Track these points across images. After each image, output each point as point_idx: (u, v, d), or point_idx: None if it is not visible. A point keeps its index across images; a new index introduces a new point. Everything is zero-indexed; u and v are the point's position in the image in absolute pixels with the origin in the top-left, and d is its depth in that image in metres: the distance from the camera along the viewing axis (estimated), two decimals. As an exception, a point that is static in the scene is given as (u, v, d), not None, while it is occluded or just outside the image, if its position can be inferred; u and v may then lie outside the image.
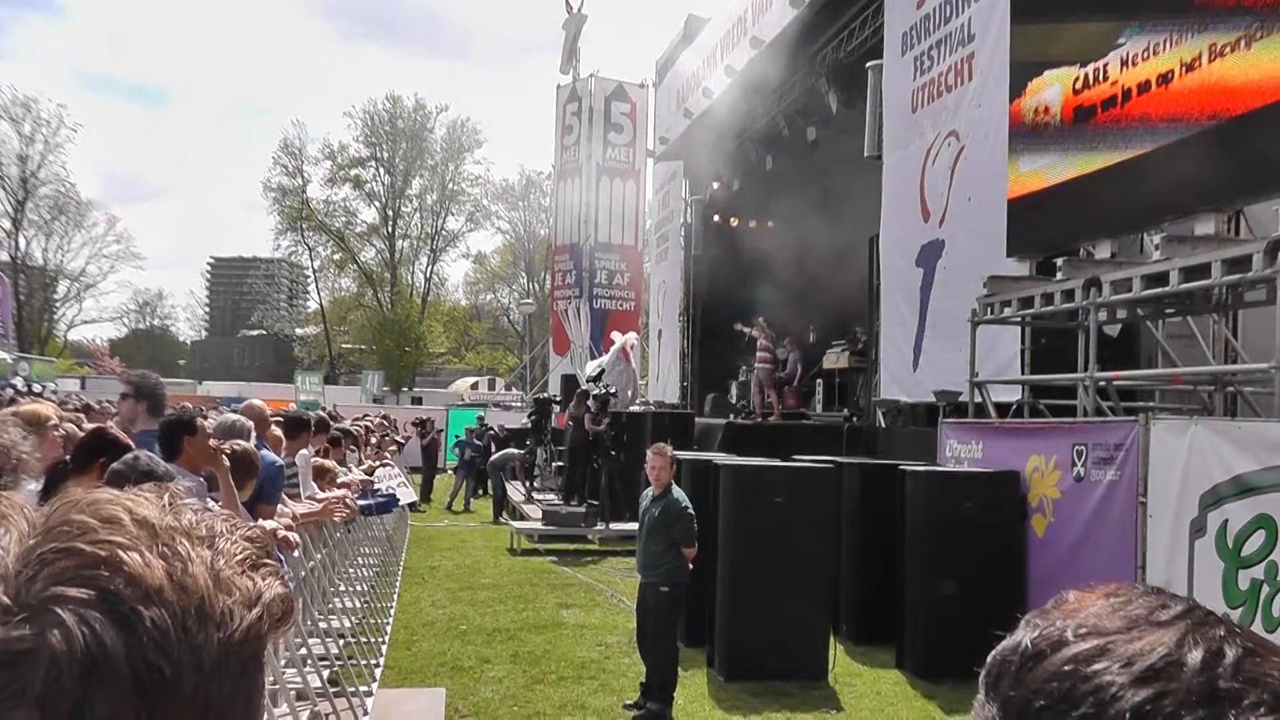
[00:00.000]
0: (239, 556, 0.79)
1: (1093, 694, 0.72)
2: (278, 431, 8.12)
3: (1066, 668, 0.74)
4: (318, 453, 9.55)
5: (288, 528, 5.87)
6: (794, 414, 20.77)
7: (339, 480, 9.40)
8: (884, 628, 10.19)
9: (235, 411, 7.80)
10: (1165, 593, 0.80)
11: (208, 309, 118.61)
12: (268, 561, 0.81)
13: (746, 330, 20.90)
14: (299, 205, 67.24)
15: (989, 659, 0.81)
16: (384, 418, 23.56)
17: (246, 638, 0.76)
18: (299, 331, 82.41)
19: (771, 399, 20.14)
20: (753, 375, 21.13)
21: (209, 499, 5.20)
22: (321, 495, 8.20)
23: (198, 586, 0.75)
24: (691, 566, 8.10)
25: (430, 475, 26.99)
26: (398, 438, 23.28)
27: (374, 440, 16.64)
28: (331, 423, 12.25)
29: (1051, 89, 10.71)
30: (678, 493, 8.11)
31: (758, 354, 20.20)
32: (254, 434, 6.54)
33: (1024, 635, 0.79)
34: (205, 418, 5.71)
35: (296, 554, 6.90)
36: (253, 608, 0.77)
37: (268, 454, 6.51)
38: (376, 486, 11.49)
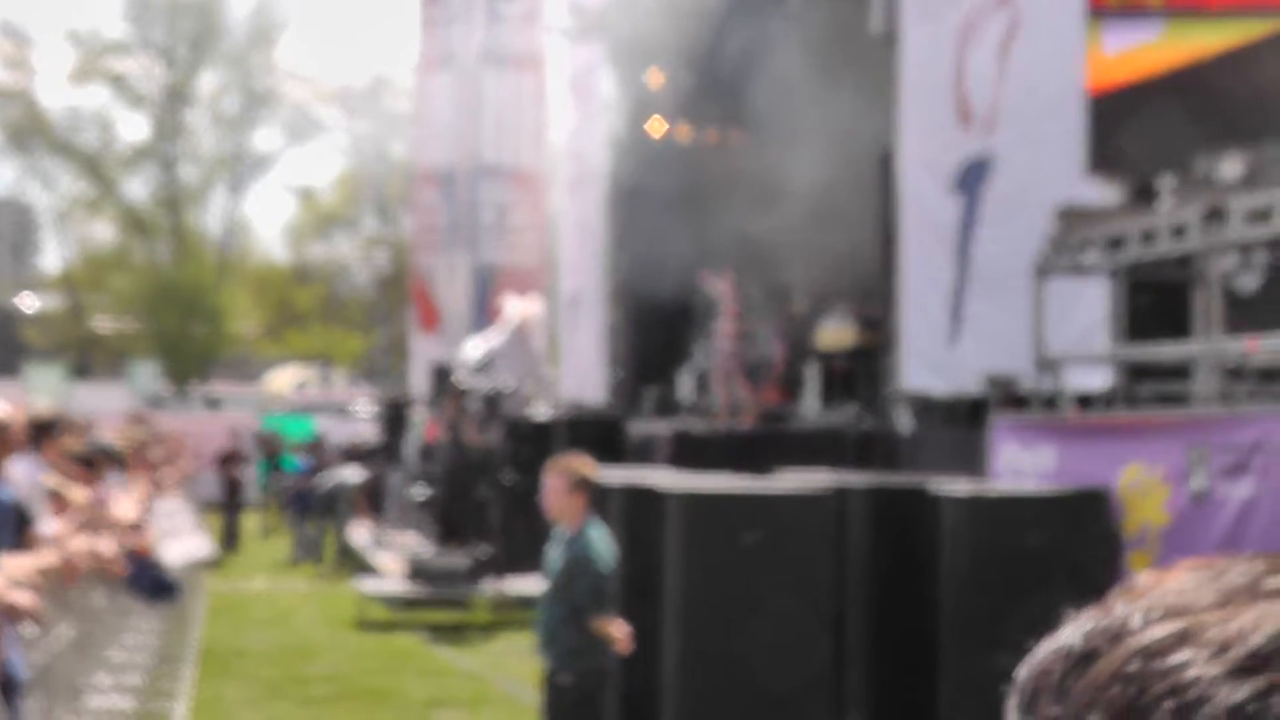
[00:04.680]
0: None
1: (1170, 695, 0.70)
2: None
3: (1132, 665, 0.72)
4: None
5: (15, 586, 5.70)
6: (775, 414, 20.82)
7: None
8: (913, 724, 10.23)
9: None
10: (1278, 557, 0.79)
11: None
12: None
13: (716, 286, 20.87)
14: (26, 115, 66.12)
15: (1021, 673, 0.80)
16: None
17: None
18: (30, 304, 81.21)
19: (743, 392, 20.18)
20: (715, 359, 21.17)
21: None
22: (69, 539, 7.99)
23: None
24: (623, 648, 8.03)
25: (234, 515, 26.82)
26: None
27: (149, 461, 16.37)
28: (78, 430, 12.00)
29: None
30: (595, 533, 8.03)
31: (721, 325, 20.22)
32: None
33: (1071, 634, 0.78)
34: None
35: (30, 629, 6.73)
36: None
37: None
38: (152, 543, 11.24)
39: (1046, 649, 0.79)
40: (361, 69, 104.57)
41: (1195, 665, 0.71)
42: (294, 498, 25.52)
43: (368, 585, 18.41)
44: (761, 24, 21.79)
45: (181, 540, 15.93)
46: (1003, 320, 13.26)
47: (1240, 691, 0.69)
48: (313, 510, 25.16)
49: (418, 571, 17.77)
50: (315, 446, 28.91)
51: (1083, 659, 0.75)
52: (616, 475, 11.44)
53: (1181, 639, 0.72)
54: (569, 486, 7.98)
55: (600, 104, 29.76)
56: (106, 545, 8.81)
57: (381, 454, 25.45)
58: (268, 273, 74.23)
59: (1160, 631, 0.73)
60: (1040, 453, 10.58)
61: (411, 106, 47.62)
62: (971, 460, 11.78)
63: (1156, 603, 0.76)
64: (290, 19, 70.22)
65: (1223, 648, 0.71)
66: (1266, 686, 0.69)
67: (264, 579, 22.50)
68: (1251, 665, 0.70)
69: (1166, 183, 10.40)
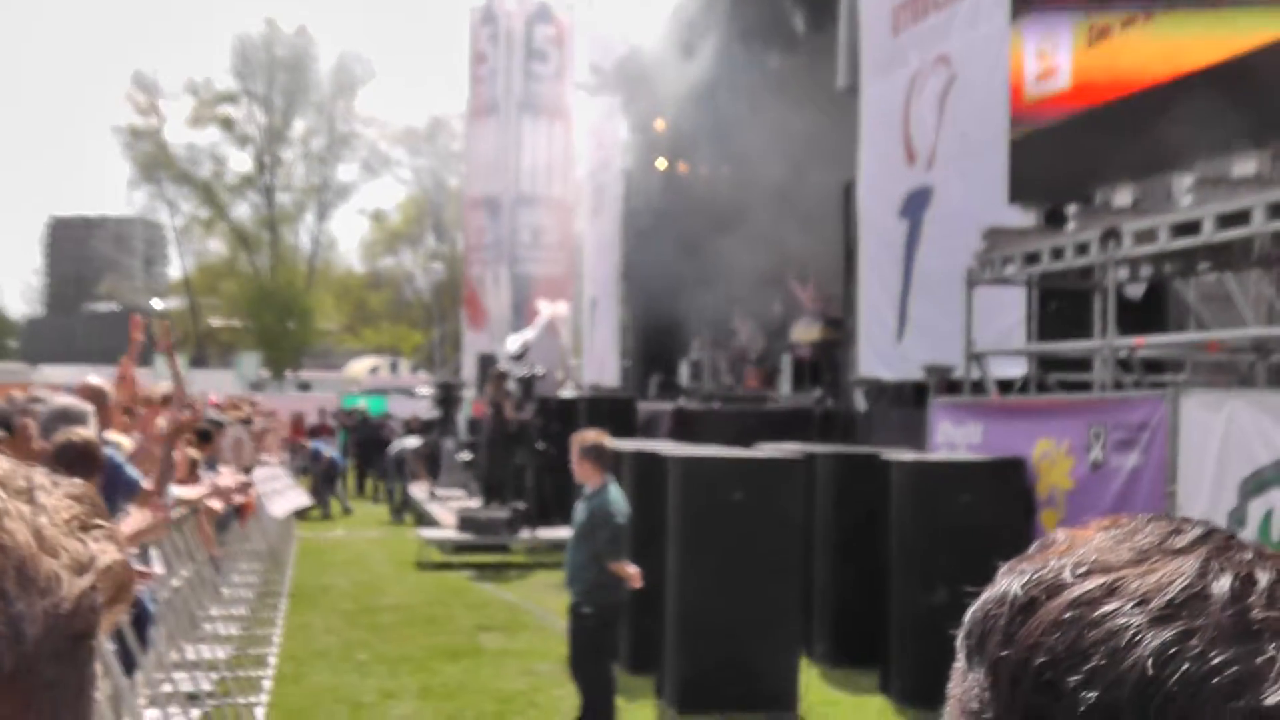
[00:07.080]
0: (65, 515, 0.75)
1: (1104, 641, 0.71)
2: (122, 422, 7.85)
3: (1069, 614, 0.73)
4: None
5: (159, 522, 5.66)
6: (755, 396, 20.82)
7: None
8: (865, 647, 10.20)
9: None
10: (1177, 518, 0.80)
11: (46, 279, 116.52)
12: (100, 523, 0.78)
13: (799, 288, 21.17)
14: (155, 150, 66.15)
15: (968, 617, 0.80)
16: (234, 405, 23.16)
17: (77, 609, 0.71)
18: (158, 305, 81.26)
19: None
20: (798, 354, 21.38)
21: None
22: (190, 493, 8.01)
23: (16, 544, 0.70)
24: (635, 585, 8.03)
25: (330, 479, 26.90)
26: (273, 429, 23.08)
27: (251, 431, 16.40)
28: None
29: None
30: (613, 492, 8.01)
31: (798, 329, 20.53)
32: (95, 421, 6.32)
33: (1010, 583, 0.77)
34: (29, 414, 5.49)
35: (159, 569, 6.76)
36: (84, 573, 0.73)
37: (114, 454, 6.27)
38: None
39: (989, 596, 0.79)
40: (422, 113, 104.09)
41: (1123, 614, 0.71)
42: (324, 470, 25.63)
43: (426, 533, 18.43)
44: (747, 80, 21.76)
45: (283, 496, 16.13)
46: (940, 320, 13.23)
47: (1162, 636, 0.70)
48: (387, 472, 25.33)
49: (467, 522, 17.77)
50: (381, 422, 28.96)
51: (1024, 607, 0.75)
52: (628, 445, 11.44)
53: (1109, 591, 0.73)
54: (582, 454, 8.02)
55: (616, 145, 29.73)
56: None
57: (438, 427, 25.47)
58: (347, 280, 74.23)
59: (1090, 585, 0.74)
60: (969, 429, 10.57)
61: (463, 146, 47.59)
62: (915, 434, 11.76)
63: (1083, 559, 0.76)
64: (367, 75, 69.93)
65: (1144, 599, 0.72)
66: (1183, 631, 0.70)
67: (343, 529, 22.52)
68: (1170, 613, 0.71)
69: (1072, 209, 10.38)
